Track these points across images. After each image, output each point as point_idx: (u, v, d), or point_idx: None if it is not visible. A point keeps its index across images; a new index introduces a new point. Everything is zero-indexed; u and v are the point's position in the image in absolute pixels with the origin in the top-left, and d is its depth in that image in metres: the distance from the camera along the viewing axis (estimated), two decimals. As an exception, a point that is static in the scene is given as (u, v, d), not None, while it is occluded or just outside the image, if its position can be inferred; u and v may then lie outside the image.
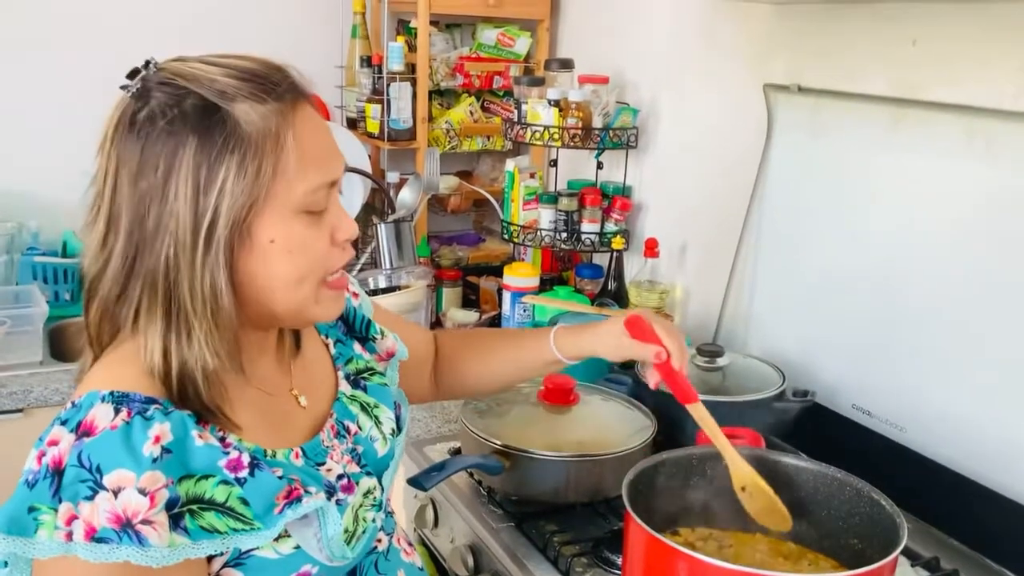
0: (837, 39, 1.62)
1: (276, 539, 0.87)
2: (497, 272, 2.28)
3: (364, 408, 1.07)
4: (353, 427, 1.04)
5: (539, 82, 2.14)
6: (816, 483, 1.16)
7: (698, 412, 1.13)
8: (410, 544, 1.14)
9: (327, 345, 1.10)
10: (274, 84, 0.86)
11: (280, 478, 0.87)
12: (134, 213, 0.83)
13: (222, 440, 0.86)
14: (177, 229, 0.82)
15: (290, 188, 0.86)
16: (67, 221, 2.33)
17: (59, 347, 2.14)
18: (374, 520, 1.00)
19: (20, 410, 1.89)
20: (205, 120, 0.82)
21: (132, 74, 0.86)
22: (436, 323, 2.27)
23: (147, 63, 0.87)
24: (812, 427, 1.56)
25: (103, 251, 0.86)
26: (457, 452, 1.54)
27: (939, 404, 1.43)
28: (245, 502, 0.84)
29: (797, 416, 1.54)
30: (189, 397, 0.84)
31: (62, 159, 2.36)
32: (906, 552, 1.26)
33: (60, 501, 0.78)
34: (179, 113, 0.83)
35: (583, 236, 2.13)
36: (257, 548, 0.86)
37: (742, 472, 1.12)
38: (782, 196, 1.75)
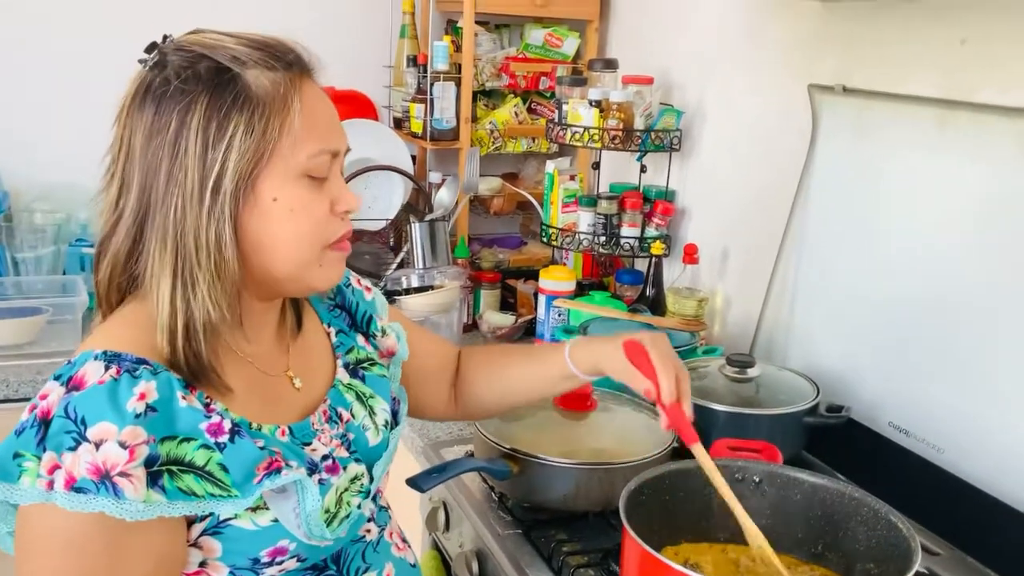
0: (884, 39, 1.54)
1: (254, 510, 0.88)
2: (537, 276, 2.23)
3: (359, 397, 1.06)
4: (346, 414, 1.03)
5: (581, 82, 2.10)
6: (833, 502, 1.10)
7: (698, 454, 1.06)
8: (404, 540, 1.12)
9: (328, 334, 1.10)
10: (283, 54, 0.91)
11: (261, 448, 0.88)
12: (146, 171, 0.87)
13: (207, 406, 0.87)
14: (185, 181, 0.86)
15: (294, 150, 0.89)
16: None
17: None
18: (359, 507, 0.99)
19: (55, 397, 1.91)
20: (217, 80, 0.87)
21: (150, 48, 0.90)
22: (472, 325, 2.24)
23: (164, 37, 0.91)
24: (846, 444, 1.49)
25: (115, 211, 0.90)
26: (472, 455, 1.51)
27: (980, 426, 1.35)
28: (224, 468, 0.85)
29: (830, 432, 1.47)
30: (190, 356, 0.87)
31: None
32: (936, 581, 1.19)
33: (44, 450, 0.80)
34: (192, 74, 0.87)
35: (622, 240, 2.08)
36: (235, 517, 0.87)
37: (751, 534, 1.05)
38: (826, 201, 1.67)
